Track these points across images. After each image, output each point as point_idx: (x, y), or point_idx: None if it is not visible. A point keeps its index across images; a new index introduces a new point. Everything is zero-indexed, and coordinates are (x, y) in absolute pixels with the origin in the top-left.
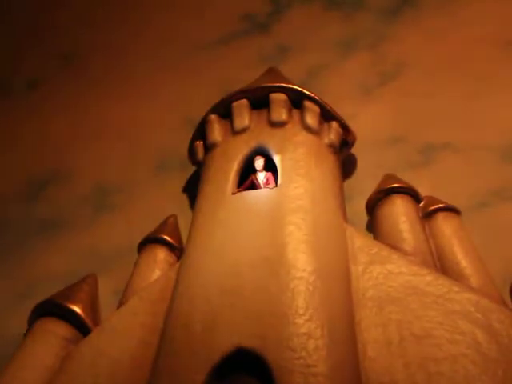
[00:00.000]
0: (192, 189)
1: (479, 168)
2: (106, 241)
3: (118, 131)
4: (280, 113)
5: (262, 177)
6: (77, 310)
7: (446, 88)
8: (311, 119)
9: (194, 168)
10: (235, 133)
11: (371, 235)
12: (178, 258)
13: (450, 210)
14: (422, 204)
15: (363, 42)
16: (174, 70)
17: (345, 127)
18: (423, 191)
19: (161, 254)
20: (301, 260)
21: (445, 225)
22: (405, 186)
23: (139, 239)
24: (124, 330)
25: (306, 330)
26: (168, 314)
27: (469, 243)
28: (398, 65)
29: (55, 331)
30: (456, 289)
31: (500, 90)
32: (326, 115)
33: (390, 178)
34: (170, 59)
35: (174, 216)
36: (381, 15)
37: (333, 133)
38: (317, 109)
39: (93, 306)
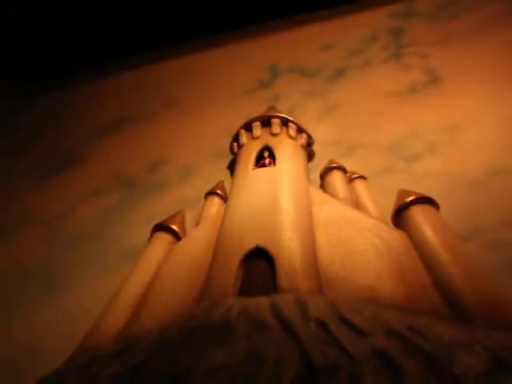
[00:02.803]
0: (231, 167)
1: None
2: (189, 194)
3: (197, 139)
4: (276, 128)
5: (267, 161)
6: (174, 227)
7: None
8: (292, 132)
9: (231, 156)
10: (253, 138)
11: (321, 190)
12: (225, 202)
13: (362, 177)
14: (347, 174)
15: (317, 93)
16: (221, 108)
17: (309, 136)
18: (348, 167)
19: (216, 201)
20: (286, 204)
21: (360, 187)
22: (339, 165)
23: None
24: (198, 238)
25: (289, 237)
26: (220, 230)
27: (369, 196)
28: (335, 106)
29: (164, 238)
30: (364, 217)
31: None
32: (300, 130)
33: (332, 162)
34: (216, 102)
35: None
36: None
37: (303, 139)
38: (295, 126)
39: (183, 226)
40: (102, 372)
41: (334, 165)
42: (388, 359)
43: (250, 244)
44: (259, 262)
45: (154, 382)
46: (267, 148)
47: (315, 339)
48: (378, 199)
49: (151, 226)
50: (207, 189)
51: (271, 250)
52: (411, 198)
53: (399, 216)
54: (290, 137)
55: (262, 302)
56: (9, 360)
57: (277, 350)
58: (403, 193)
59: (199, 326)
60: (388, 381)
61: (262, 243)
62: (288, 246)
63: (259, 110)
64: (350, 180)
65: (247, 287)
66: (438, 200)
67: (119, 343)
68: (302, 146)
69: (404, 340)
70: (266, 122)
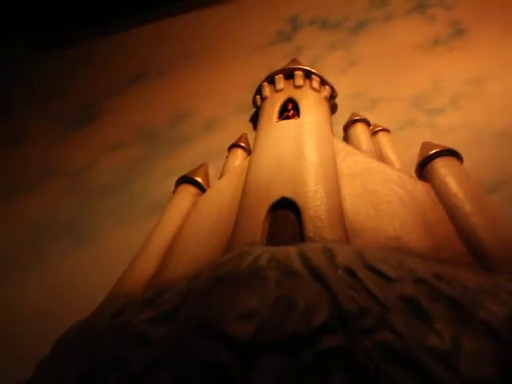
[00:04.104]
0: (254, 120)
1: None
2: (213, 147)
3: (220, 92)
4: (299, 81)
5: (291, 113)
6: (199, 179)
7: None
8: (315, 84)
9: (254, 110)
10: (276, 91)
11: (345, 143)
12: (248, 154)
13: (385, 130)
14: (370, 127)
15: (339, 46)
16: (243, 61)
17: (332, 88)
18: (372, 120)
19: (240, 153)
20: (311, 155)
21: (383, 139)
22: (362, 118)
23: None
24: (223, 189)
25: (315, 188)
26: (245, 181)
27: (393, 149)
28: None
29: (188, 190)
30: (388, 169)
31: None
32: (323, 82)
33: (355, 114)
34: (238, 55)
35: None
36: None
37: (326, 91)
38: (318, 79)
39: (207, 178)
40: (134, 318)
41: (358, 117)
42: (415, 304)
43: (276, 195)
44: (286, 213)
45: (185, 327)
46: (291, 100)
47: (344, 286)
48: (402, 152)
49: (175, 178)
50: (230, 142)
51: (297, 200)
52: (435, 151)
53: (423, 168)
54: (314, 89)
55: (290, 251)
56: (41, 307)
57: (306, 295)
58: (427, 145)
59: (229, 273)
60: (415, 324)
61: (288, 194)
62: (314, 197)
63: (281, 63)
64: (374, 133)
65: (274, 237)
66: (462, 153)
67: (149, 291)
68: (326, 98)
69: (430, 287)
70: (288, 75)
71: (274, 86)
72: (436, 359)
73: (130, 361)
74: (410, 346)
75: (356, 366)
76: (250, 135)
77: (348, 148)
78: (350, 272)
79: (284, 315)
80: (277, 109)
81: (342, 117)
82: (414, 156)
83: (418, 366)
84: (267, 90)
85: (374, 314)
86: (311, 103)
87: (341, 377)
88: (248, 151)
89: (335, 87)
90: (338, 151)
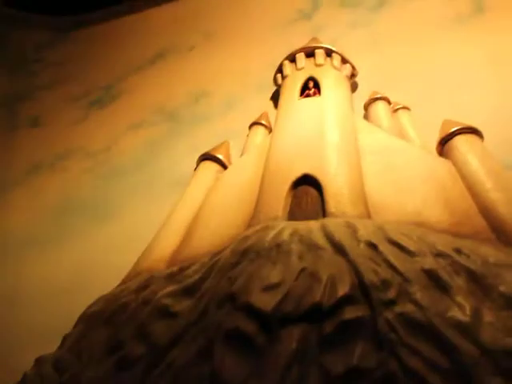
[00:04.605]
0: (275, 98)
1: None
2: (233, 125)
3: (240, 71)
4: (320, 59)
5: (312, 91)
6: (221, 157)
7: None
8: (336, 62)
9: (274, 88)
10: (297, 69)
11: (365, 120)
12: (269, 132)
13: (405, 107)
14: (390, 105)
15: (359, 24)
16: (262, 39)
17: (353, 66)
18: (392, 98)
19: (261, 131)
20: (333, 132)
21: (404, 117)
22: (383, 96)
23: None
24: (244, 167)
25: (336, 164)
26: (267, 158)
27: (413, 127)
28: (378, 37)
29: (210, 168)
30: (409, 146)
31: None
32: (344, 60)
33: (375, 92)
34: (257, 33)
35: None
36: None
37: (347, 69)
38: (339, 57)
39: (228, 155)
40: (158, 292)
41: (378, 95)
42: (436, 278)
43: (298, 172)
44: (307, 189)
45: (209, 300)
46: (312, 79)
47: (366, 259)
48: (422, 130)
49: (197, 156)
50: (251, 120)
51: (319, 177)
52: (456, 128)
53: (444, 146)
54: (335, 67)
55: (312, 225)
56: (61, 288)
57: (329, 268)
58: (448, 123)
59: (252, 247)
60: (436, 297)
61: (309, 171)
62: (335, 173)
63: (301, 42)
64: (394, 111)
65: (296, 213)
66: (483, 131)
67: (172, 266)
68: (346, 76)
69: (451, 260)
70: (309, 53)
71: (295, 65)
72: (457, 330)
73: (155, 333)
74: (431, 317)
75: (378, 336)
76: (271, 113)
77: (369, 126)
78: (372, 246)
79: (307, 287)
80: (298, 87)
81: (362, 95)
82: (434, 134)
83: (439, 337)
84: (288, 69)
85: (396, 286)
86: (332, 82)
87: (363, 346)
88: (269, 129)
89: (356, 66)
90: (358, 129)
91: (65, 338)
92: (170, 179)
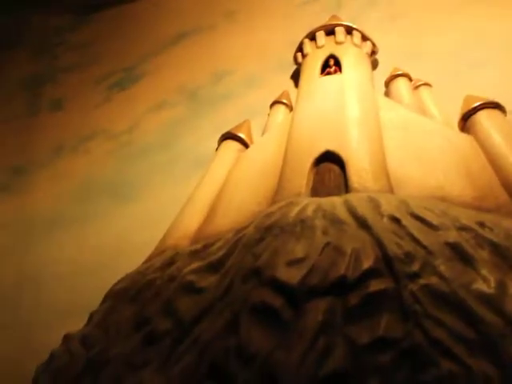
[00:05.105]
0: (295, 77)
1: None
2: (254, 104)
3: (260, 50)
4: (341, 37)
5: (333, 69)
6: (242, 135)
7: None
8: (357, 40)
9: (294, 67)
10: (318, 47)
11: (386, 97)
12: (290, 111)
13: (427, 84)
14: (412, 82)
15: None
16: (281, 18)
17: (374, 44)
18: (413, 75)
19: (282, 110)
20: (354, 109)
21: (425, 94)
22: (404, 72)
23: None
24: (266, 145)
25: (358, 140)
26: (289, 135)
27: (435, 103)
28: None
29: (232, 146)
30: (431, 122)
31: None
32: (364, 37)
33: (396, 69)
34: (276, 12)
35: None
36: None
37: (368, 47)
38: (359, 34)
39: (249, 134)
40: (183, 269)
41: (399, 72)
42: (460, 250)
43: (319, 148)
44: (330, 166)
45: (234, 276)
46: (332, 57)
47: (389, 232)
48: (444, 106)
49: (218, 135)
50: (272, 99)
51: (341, 153)
52: (478, 103)
53: (466, 121)
54: (355, 45)
55: (335, 201)
56: (86, 267)
57: (353, 242)
58: (470, 98)
59: (276, 223)
60: (460, 269)
61: (331, 147)
62: (357, 149)
63: (321, 20)
64: (415, 87)
65: (319, 190)
66: (507, 106)
67: (196, 243)
68: (367, 53)
69: (474, 233)
70: (329, 31)
71: (316, 43)
72: (482, 302)
73: (181, 309)
74: (455, 289)
75: (403, 308)
76: (292, 92)
77: (390, 102)
78: (395, 220)
79: (332, 261)
80: (319, 65)
81: (383, 72)
82: (456, 110)
83: (463, 308)
84: (308, 47)
85: (420, 259)
86: (353, 59)
87: (389, 318)
88: (290, 108)
89: (376, 43)
90: (379, 106)
91: (92, 315)
92: (193, 159)
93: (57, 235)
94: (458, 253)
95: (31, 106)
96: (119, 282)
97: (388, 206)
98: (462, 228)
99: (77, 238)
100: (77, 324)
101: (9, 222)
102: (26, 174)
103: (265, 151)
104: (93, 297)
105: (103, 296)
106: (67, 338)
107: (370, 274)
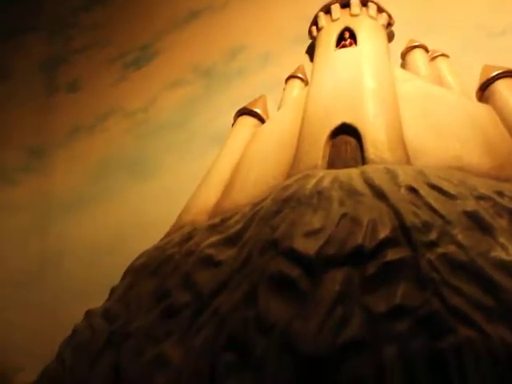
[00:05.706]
0: (310, 52)
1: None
2: (270, 79)
3: (274, 25)
4: (356, 9)
5: (348, 42)
6: (258, 111)
7: None
8: (372, 12)
9: (309, 42)
10: (333, 20)
11: (403, 69)
12: (306, 85)
13: (444, 55)
14: (428, 53)
15: None
16: None
17: (389, 16)
18: (430, 46)
19: (298, 84)
20: (370, 81)
21: (442, 65)
22: (420, 44)
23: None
24: (282, 119)
25: (374, 112)
26: (305, 109)
27: (452, 74)
28: None
29: (248, 122)
30: (448, 92)
31: None
32: (380, 9)
33: (412, 41)
34: None
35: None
36: None
37: (383, 18)
38: (375, 6)
39: (265, 109)
40: (201, 243)
41: (415, 43)
42: (478, 219)
43: (336, 121)
44: (346, 138)
45: (252, 248)
46: (347, 29)
47: (406, 202)
48: (461, 77)
49: (234, 111)
50: (287, 74)
51: (357, 125)
52: (497, 72)
53: (484, 91)
54: (371, 17)
55: (352, 172)
56: (105, 244)
57: (370, 212)
58: (488, 68)
59: (293, 195)
60: (478, 238)
61: (347, 120)
62: (374, 121)
63: None
64: (432, 58)
65: (336, 162)
66: None
67: (213, 218)
68: (383, 25)
69: (492, 202)
70: (344, 4)
71: (331, 16)
72: (500, 269)
73: (200, 282)
74: (473, 257)
75: (420, 277)
76: (307, 67)
77: (406, 74)
78: (412, 190)
79: (349, 231)
80: (334, 38)
81: (399, 44)
82: (474, 81)
83: (482, 276)
84: (323, 20)
85: (437, 227)
86: (368, 31)
87: (406, 286)
88: (306, 82)
89: (392, 14)
90: (396, 77)
91: (113, 290)
92: (209, 135)
93: (75, 214)
94: (475, 221)
95: (48, 88)
96: (139, 257)
97: (405, 176)
98: (480, 197)
99: (95, 216)
100: (98, 300)
101: (28, 203)
102: (44, 155)
103: (281, 125)
104: (112, 273)
105: (123, 272)
106: (89, 314)
107: (387, 243)
